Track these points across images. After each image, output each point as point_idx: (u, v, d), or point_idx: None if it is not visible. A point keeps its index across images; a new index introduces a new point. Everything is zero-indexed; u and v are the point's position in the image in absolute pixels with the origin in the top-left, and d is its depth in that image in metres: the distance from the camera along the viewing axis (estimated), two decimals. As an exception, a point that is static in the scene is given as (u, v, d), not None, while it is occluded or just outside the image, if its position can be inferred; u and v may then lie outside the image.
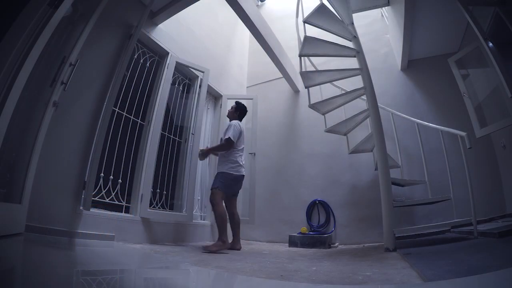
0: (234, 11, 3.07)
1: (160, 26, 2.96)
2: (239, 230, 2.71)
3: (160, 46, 2.94)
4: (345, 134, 3.16)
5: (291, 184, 3.77)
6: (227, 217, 2.59)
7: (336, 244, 3.06)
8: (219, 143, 2.85)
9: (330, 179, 3.54)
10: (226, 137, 2.61)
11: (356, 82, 2.76)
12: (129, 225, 2.40)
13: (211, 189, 2.59)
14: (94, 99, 2.25)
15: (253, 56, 4.79)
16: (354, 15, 2.91)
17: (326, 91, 3.18)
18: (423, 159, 2.74)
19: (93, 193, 2.14)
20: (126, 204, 2.50)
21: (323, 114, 3.08)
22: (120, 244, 2.15)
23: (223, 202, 2.59)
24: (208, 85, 3.66)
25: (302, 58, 2.97)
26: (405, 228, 2.49)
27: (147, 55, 2.89)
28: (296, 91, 4.24)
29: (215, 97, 3.96)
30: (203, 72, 3.40)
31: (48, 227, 1.81)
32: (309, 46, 2.75)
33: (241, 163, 2.68)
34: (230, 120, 2.84)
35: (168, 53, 3.02)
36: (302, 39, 2.72)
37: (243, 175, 2.73)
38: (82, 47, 2.01)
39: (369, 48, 3.43)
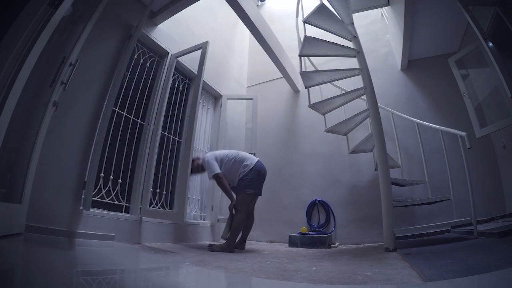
0: (234, 11, 3.07)
1: (160, 26, 2.96)
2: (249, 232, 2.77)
3: (160, 46, 2.94)
4: (345, 134, 3.16)
5: (291, 184, 3.76)
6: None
7: (336, 244, 3.06)
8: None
9: (330, 179, 3.54)
10: (212, 175, 2.56)
11: (356, 82, 2.76)
12: (129, 225, 2.40)
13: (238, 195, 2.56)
14: (94, 99, 2.25)
15: (253, 56, 4.78)
16: (354, 15, 2.90)
17: (326, 91, 3.19)
18: (423, 159, 2.74)
19: (93, 193, 2.14)
20: (126, 204, 2.50)
21: (323, 114, 3.08)
22: (120, 244, 2.15)
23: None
24: (208, 85, 3.67)
25: (302, 58, 2.97)
26: (405, 228, 2.49)
27: (147, 55, 2.89)
28: (296, 91, 4.23)
29: (215, 97, 3.96)
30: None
31: (48, 227, 1.81)
32: (309, 46, 2.75)
33: (243, 169, 2.65)
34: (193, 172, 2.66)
35: (168, 53, 3.02)
36: (302, 39, 2.71)
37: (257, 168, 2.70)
38: (82, 47, 2.01)
39: (369, 48, 3.44)
